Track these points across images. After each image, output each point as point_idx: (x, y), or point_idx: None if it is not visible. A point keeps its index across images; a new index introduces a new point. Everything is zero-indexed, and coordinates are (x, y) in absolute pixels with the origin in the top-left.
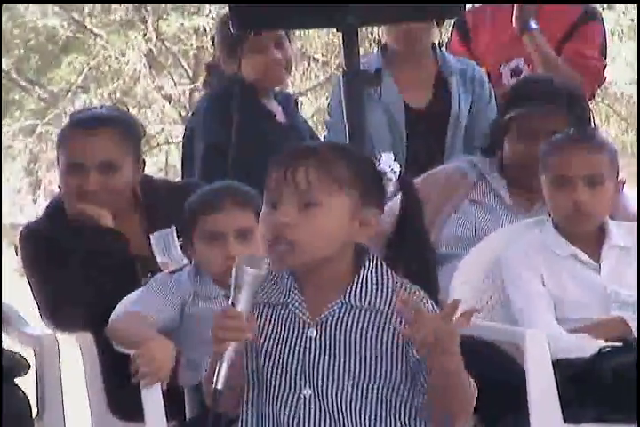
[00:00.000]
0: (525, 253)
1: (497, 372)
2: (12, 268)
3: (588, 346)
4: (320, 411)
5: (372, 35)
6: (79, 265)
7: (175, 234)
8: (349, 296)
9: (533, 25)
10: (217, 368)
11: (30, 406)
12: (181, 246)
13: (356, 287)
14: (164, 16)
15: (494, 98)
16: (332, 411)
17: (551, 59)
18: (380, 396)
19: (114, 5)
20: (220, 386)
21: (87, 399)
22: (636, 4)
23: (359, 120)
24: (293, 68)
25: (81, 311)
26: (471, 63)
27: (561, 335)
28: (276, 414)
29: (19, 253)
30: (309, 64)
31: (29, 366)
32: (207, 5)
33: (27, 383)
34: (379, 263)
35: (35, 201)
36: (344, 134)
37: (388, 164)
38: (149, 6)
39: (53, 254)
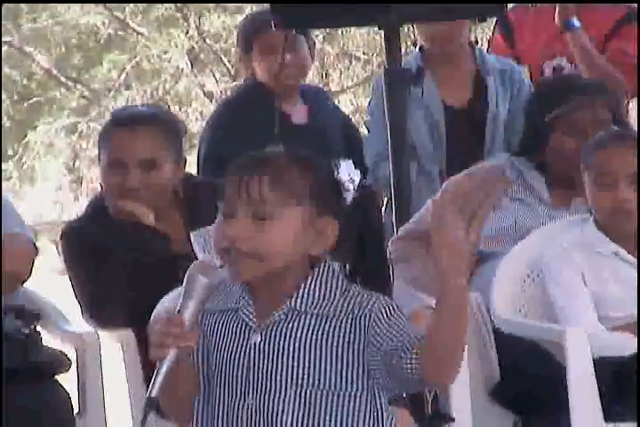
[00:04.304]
0: (567, 251)
1: (538, 370)
2: (53, 266)
3: (629, 344)
4: (261, 422)
5: (413, 35)
6: (120, 263)
7: None
8: (295, 302)
9: (576, 23)
10: (153, 376)
11: (72, 403)
12: None
13: (303, 293)
14: (206, 14)
15: None
16: (272, 422)
17: (593, 57)
18: (325, 404)
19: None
20: (154, 394)
21: (128, 397)
22: None
23: (400, 118)
24: (320, 69)
25: (122, 309)
26: (511, 63)
27: (602, 333)
28: (223, 421)
29: (60, 251)
30: (351, 62)
31: (71, 363)
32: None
33: (68, 381)
34: (329, 270)
35: (76, 199)
36: (385, 133)
37: (347, 172)
38: (191, 4)
39: (95, 252)
